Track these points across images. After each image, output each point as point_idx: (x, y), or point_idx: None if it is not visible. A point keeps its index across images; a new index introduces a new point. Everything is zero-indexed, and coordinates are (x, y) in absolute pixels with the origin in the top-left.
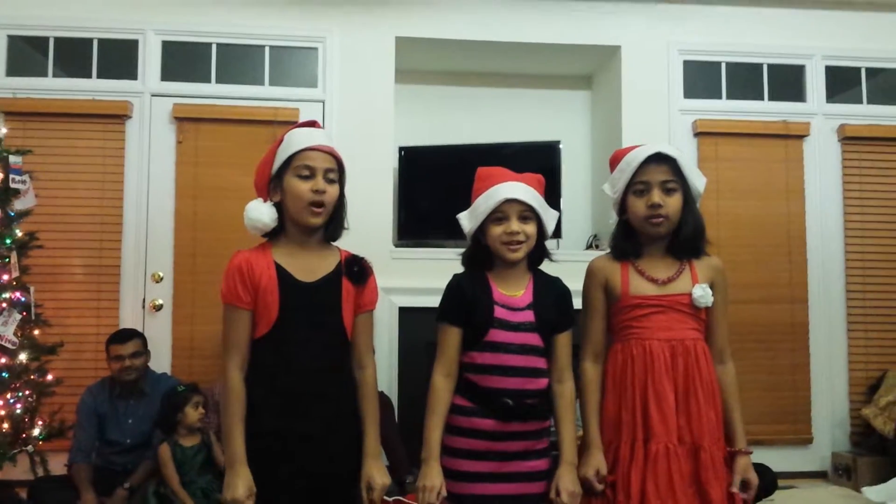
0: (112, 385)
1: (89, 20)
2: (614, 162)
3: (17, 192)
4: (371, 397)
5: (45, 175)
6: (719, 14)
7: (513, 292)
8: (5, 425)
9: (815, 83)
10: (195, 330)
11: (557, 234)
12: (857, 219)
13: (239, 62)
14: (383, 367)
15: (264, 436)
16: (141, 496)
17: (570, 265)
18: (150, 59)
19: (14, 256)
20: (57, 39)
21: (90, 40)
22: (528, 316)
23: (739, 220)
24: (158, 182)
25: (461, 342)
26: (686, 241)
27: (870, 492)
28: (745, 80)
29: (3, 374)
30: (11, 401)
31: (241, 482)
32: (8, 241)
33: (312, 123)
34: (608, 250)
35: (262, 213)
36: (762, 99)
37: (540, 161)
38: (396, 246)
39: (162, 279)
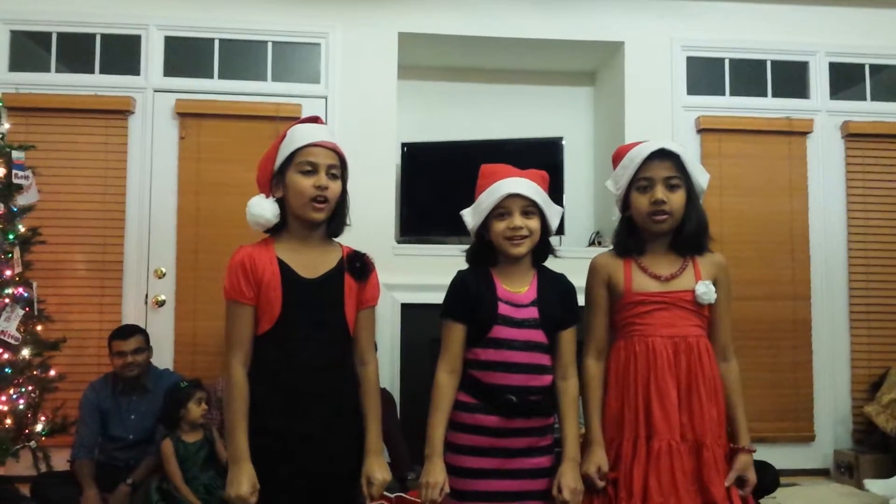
0: (115, 381)
1: (92, 15)
2: (617, 158)
3: (19, 188)
4: (373, 394)
5: (47, 170)
6: (723, 10)
7: (517, 289)
8: (8, 421)
9: (819, 80)
10: (198, 326)
11: (560, 230)
12: (861, 216)
13: (241, 58)
14: (385, 364)
15: (266, 434)
16: (144, 492)
17: (572, 262)
18: (152, 55)
19: (17, 252)
20: (60, 35)
21: (93, 35)
22: (533, 312)
23: (742, 216)
24: (161, 178)
25: (465, 338)
26: (689, 237)
27: (873, 485)
28: (748, 76)
29: (6, 370)
30: (14, 396)
31: (244, 478)
32: (11, 236)
33: (315, 119)
34: (611, 247)
35: (264, 208)
36: (766, 95)
37: (543, 157)
38: (399, 242)
39: (164, 275)
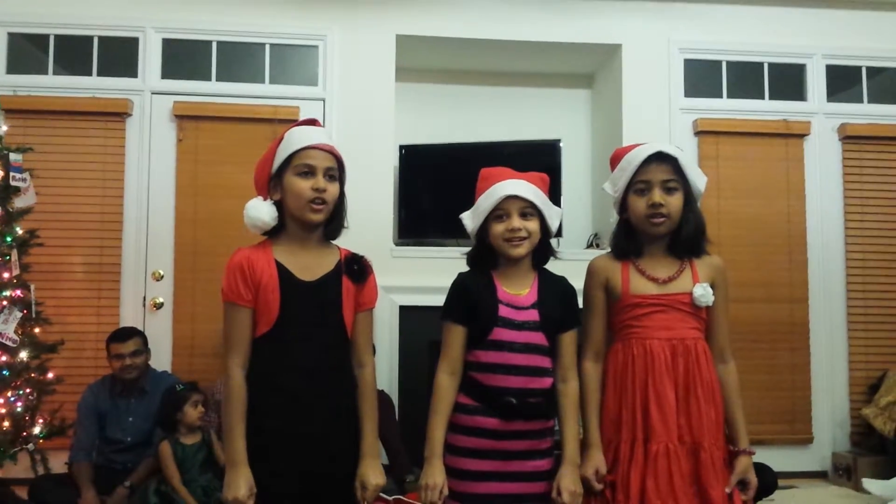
0: (113, 383)
1: (90, 18)
2: (615, 161)
3: (17, 190)
4: (370, 396)
5: (45, 173)
6: (720, 13)
7: (517, 291)
8: (6, 423)
9: (816, 82)
10: (195, 328)
11: (558, 232)
12: (858, 218)
13: (239, 60)
14: (384, 366)
15: (264, 435)
16: (141, 494)
17: (570, 264)
18: (150, 57)
19: (14, 254)
20: (57, 37)
21: (90, 38)
22: (533, 315)
23: (740, 219)
24: (159, 180)
25: (466, 341)
26: (687, 240)
27: (871, 484)
28: (745, 78)
29: (4, 372)
30: (12, 399)
31: (242, 481)
32: (8, 238)
33: (312, 122)
34: (609, 249)
35: (261, 211)
36: (763, 98)
37: (540, 160)
38: (397, 244)
39: (162, 277)
